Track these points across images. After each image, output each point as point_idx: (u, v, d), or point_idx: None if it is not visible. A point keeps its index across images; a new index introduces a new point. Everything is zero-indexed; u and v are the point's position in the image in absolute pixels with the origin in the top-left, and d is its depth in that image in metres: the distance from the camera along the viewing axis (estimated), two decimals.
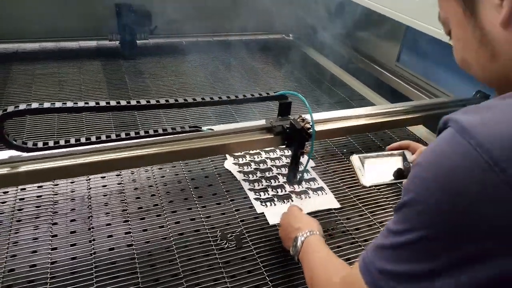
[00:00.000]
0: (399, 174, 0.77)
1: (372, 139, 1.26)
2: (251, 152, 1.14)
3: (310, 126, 0.89)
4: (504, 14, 0.38)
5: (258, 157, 1.13)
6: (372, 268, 0.44)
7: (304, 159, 0.94)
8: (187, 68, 1.71)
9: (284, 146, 0.96)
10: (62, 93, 1.43)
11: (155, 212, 0.93)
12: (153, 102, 0.88)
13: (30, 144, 0.78)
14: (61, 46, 1.81)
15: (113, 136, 0.85)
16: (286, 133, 0.92)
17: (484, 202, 0.34)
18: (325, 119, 1.02)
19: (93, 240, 0.84)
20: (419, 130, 1.30)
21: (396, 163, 0.79)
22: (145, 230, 0.88)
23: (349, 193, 1.02)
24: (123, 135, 0.85)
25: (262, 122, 0.96)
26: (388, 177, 0.78)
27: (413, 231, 0.39)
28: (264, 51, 2.00)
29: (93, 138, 0.83)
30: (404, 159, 0.80)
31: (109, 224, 0.88)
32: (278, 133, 0.93)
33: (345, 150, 1.19)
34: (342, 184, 1.05)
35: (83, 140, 0.82)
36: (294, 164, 0.94)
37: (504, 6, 0.37)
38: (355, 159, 1.05)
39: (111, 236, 0.85)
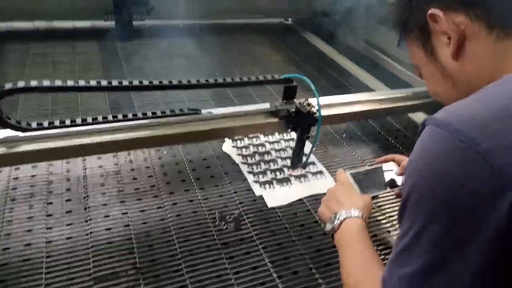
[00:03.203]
0: (391, 184, 0.79)
1: (372, 125, 1.26)
2: (249, 135, 1.12)
3: (316, 111, 0.87)
4: (452, 48, 0.48)
5: (257, 141, 1.11)
6: (393, 280, 0.43)
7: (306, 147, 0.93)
8: (184, 51, 1.68)
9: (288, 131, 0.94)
10: (56, 74, 1.41)
11: (152, 193, 0.91)
12: (146, 83, 0.86)
13: (24, 124, 0.76)
14: (55, 26, 1.77)
15: (110, 118, 0.83)
16: (292, 118, 0.90)
17: (468, 178, 0.37)
18: (330, 103, 0.99)
19: (90, 220, 0.83)
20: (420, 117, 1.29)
21: (387, 174, 0.80)
22: (142, 211, 0.87)
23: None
24: (120, 116, 0.83)
25: (266, 105, 0.94)
26: (382, 189, 0.79)
27: (415, 222, 0.41)
28: (263, 35, 1.97)
29: (89, 119, 0.81)
30: (391, 170, 0.82)
31: (106, 205, 0.87)
32: (283, 117, 0.91)
33: (344, 135, 1.19)
34: (337, 166, 1.04)
35: (78, 121, 0.80)
36: (299, 148, 0.93)
37: (451, 43, 0.48)
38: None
39: (107, 216, 0.84)
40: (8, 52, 1.52)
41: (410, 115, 1.31)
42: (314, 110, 0.87)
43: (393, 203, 0.93)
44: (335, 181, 0.77)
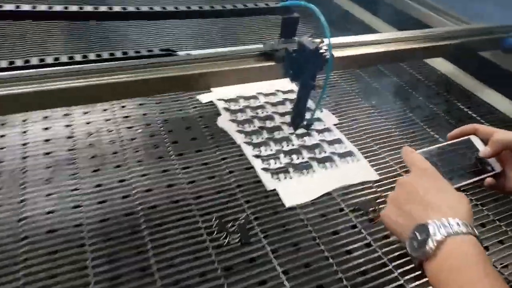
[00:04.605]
0: (479, 167, 0.50)
1: (386, 73, 1.03)
2: (249, 102, 0.88)
3: (326, 49, 0.64)
4: None
5: (262, 112, 0.86)
6: None
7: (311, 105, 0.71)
8: None
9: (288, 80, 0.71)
10: None
11: (114, 163, 0.69)
12: (103, 9, 0.63)
13: None
14: None
15: (49, 60, 0.60)
16: (292, 59, 0.67)
17: None
18: (343, 43, 0.76)
19: (24, 200, 0.61)
20: (442, 64, 1.06)
21: (464, 157, 0.51)
22: (98, 185, 0.65)
23: (384, 156, 0.76)
24: (63, 59, 0.60)
25: (258, 46, 0.71)
26: (470, 176, 0.50)
27: None
28: None
29: (19, 63, 0.58)
30: (472, 148, 0.52)
31: (49, 180, 0.65)
32: (280, 59, 0.68)
33: (358, 90, 0.96)
34: (371, 143, 0.80)
35: (19, 63, 0.57)
36: (302, 101, 0.70)
37: None
38: None
39: (50, 194, 0.62)
40: None
41: (428, 61, 1.09)
42: (323, 47, 0.64)
43: (485, 195, 0.70)
44: (409, 168, 0.46)
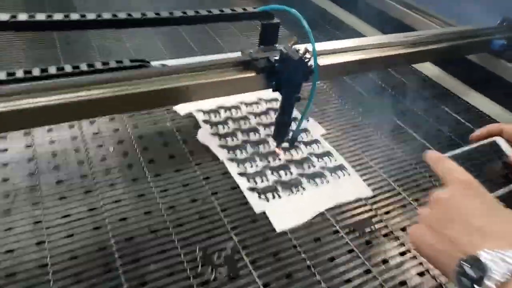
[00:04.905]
0: (506, 179, 0.43)
1: (373, 79, 0.99)
2: (230, 112, 0.82)
3: (310, 56, 0.59)
4: None
5: (245, 124, 0.80)
6: None
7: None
8: None
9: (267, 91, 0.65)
10: None
11: (82, 188, 0.62)
12: (75, 17, 0.55)
13: None
14: None
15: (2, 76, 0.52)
16: (274, 70, 0.62)
17: None
18: (327, 49, 0.71)
19: None
20: (429, 68, 1.04)
21: (491, 162, 0.45)
22: (66, 216, 0.57)
23: (376, 168, 0.72)
24: (19, 74, 0.52)
25: (236, 54, 0.65)
26: (494, 187, 0.42)
27: None
28: None
29: None
30: (499, 152, 0.45)
31: (6, 213, 0.57)
32: (261, 70, 0.62)
33: (344, 96, 0.92)
34: (362, 154, 0.75)
35: None
36: (286, 114, 0.65)
37: None
38: None
39: (8, 230, 0.54)
40: None
41: (416, 66, 1.06)
42: (307, 56, 0.58)
43: None
44: (442, 179, 0.38)
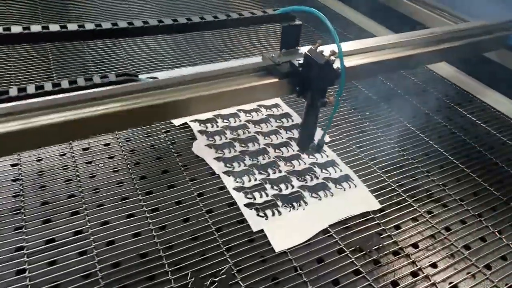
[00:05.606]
0: None
1: (384, 82, 0.94)
2: (226, 114, 0.78)
3: (336, 59, 0.54)
4: None
5: (244, 133, 0.75)
6: None
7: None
8: None
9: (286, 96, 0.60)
10: None
11: (69, 208, 0.58)
12: (72, 28, 0.52)
13: None
14: None
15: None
16: (299, 74, 0.56)
17: None
18: (352, 50, 0.64)
19: None
20: (443, 68, 0.97)
21: None
22: (49, 241, 0.54)
23: (385, 178, 0.66)
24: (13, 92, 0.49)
25: (256, 59, 0.59)
26: None
27: None
28: None
29: None
30: None
31: None
32: (284, 75, 0.57)
33: (349, 100, 0.87)
34: (370, 162, 0.69)
35: None
36: (311, 121, 0.59)
37: None
38: None
39: None
40: None
41: (430, 66, 1.00)
42: (333, 59, 0.53)
43: (481, 204, 0.62)
44: None
